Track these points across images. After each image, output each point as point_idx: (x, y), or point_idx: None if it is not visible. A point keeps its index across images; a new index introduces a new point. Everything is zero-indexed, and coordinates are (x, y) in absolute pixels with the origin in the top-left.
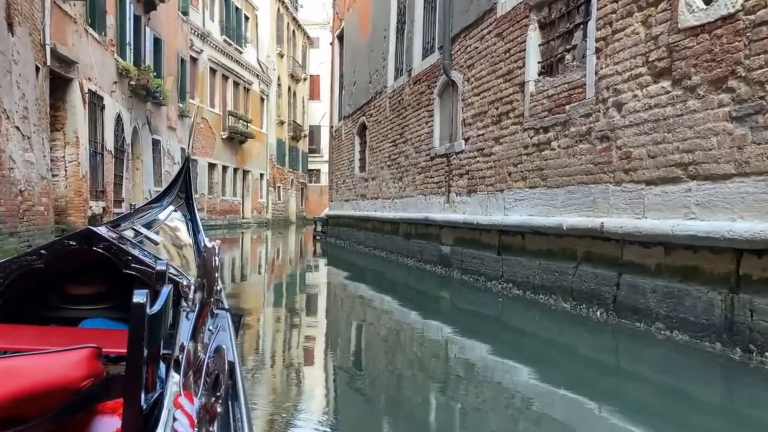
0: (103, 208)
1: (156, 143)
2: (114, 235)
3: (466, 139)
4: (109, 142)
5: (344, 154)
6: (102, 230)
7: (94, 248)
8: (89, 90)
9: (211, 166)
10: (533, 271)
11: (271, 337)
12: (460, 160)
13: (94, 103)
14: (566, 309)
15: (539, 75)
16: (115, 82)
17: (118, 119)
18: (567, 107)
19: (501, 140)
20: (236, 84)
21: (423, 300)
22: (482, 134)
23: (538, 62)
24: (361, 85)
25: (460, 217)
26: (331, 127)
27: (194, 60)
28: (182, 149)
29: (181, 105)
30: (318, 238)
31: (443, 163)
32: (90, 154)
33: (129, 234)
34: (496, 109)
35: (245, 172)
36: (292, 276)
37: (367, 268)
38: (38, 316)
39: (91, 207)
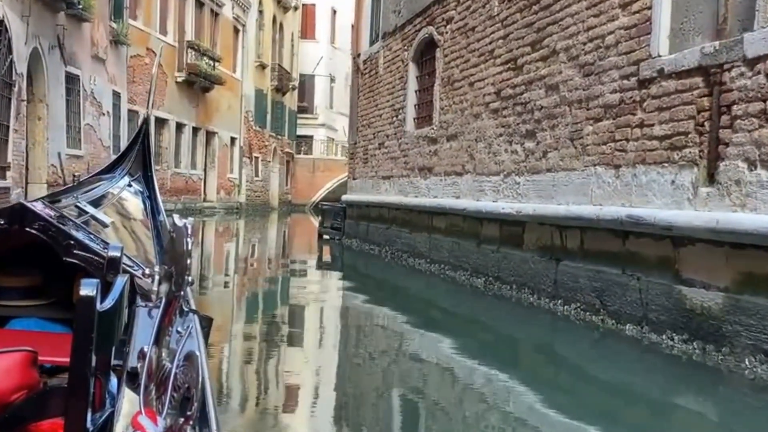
0: None
1: (72, 80)
2: (52, 213)
3: None
4: None
5: (382, 99)
6: (37, 206)
7: (27, 229)
8: None
9: (161, 123)
10: None
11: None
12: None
13: None
14: None
15: None
16: None
17: (2, 30)
18: None
19: None
20: (200, 4)
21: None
22: None
23: None
24: None
25: None
26: (357, 56)
27: None
28: (115, 93)
29: (114, 25)
30: (327, 237)
31: (692, 90)
32: None
33: (72, 212)
34: None
35: (209, 135)
36: (271, 302)
37: (437, 305)
38: None
39: None
